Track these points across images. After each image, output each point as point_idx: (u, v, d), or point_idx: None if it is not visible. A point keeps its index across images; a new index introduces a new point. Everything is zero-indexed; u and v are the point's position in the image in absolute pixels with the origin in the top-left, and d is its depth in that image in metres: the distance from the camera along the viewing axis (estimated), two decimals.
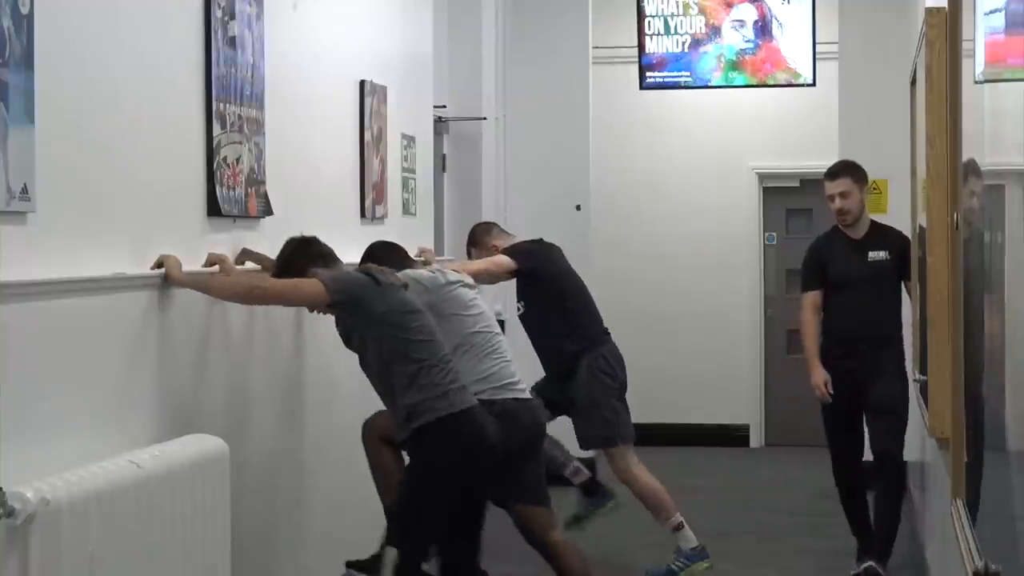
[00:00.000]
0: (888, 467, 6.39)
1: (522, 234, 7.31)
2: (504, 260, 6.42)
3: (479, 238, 6.65)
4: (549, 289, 6.51)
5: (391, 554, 4.82)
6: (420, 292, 5.23)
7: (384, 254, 5.46)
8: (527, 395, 5.54)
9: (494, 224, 6.93)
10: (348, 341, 4.95)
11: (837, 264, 6.60)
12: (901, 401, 6.45)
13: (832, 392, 6.44)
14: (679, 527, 6.52)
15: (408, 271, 5.34)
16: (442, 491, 4.90)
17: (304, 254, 4.88)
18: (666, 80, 9.43)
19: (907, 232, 6.81)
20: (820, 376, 6.48)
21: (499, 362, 5.44)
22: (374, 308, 4.75)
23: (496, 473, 5.20)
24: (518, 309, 6.68)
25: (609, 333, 6.67)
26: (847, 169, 6.65)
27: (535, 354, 6.69)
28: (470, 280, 5.58)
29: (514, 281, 6.66)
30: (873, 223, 6.67)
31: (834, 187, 6.57)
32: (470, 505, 5.22)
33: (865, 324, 6.51)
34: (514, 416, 5.37)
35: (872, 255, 6.55)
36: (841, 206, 6.55)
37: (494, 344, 5.46)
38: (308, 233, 5.36)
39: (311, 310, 4.94)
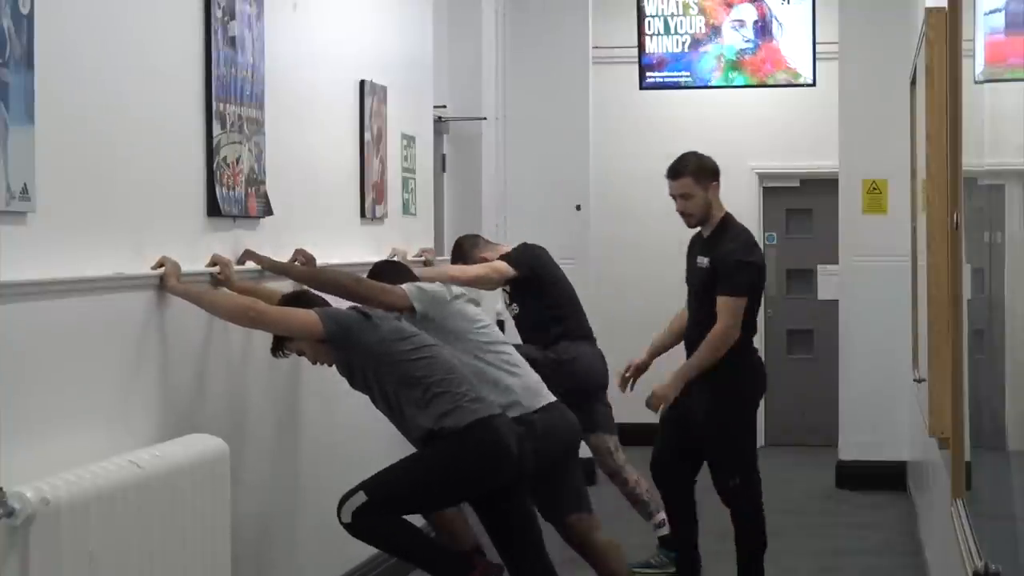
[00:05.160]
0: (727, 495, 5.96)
1: (522, 234, 7.32)
2: (503, 266, 6.46)
3: (467, 251, 6.65)
4: (540, 294, 6.55)
5: (359, 497, 4.75)
6: (424, 302, 5.21)
7: (390, 273, 5.46)
8: (552, 399, 5.47)
9: (479, 236, 6.95)
10: (352, 380, 4.94)
11: (688, 260, 6.12)
12: (707, 432, 5.87)
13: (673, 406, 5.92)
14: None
15: (415, 284, 5.34)
16: (449, 493, 4.90)
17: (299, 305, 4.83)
18: (666, 80, 9.43)
19: (909, 231, 6.76)
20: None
21: (514, 374, 5.41)
22: (367, 339, 4.73)
23: (541, 485, 5.20)
24: (513, 310, 6.69)
25: (593, 337, 6.72)
26: (688, 168, 5.95)
27: None
28: (474, 295, 5.57)
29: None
30: (721, 223, 5.95)
31: (673, 188, 5.95)
32: (512, 521, 5.05)
33: (688, 336, 6.03)
34: (552, 426, 5.35)
35: (700, 260, 5.95)
36: (682, 208, 5.96)
37: (504, 356, 5.42)
38: (307, 234, 5.37)
39: (313, 361, 4.90)
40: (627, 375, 6.29)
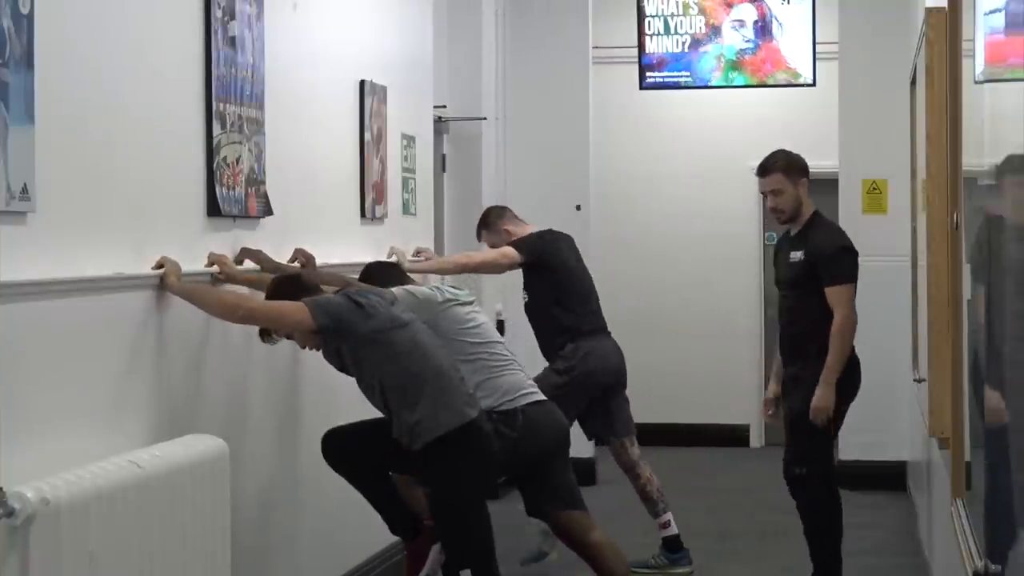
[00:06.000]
0: (792, 486, 6.02)
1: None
2: (511, 252, 6.51)
3: (492, 221, 6.70)
4: (550, 281, 6.56)
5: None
6: (413, 307, 5.22)
7: (381, 274, 5.47)
8: (542, 397, 5.54)
9: (507, 208, 6.94)
10: (342, 367, 4.94)
11: (777, 261, 6.13)
12: (802, 418, 5.86)
13: (778, 401, 6.08)
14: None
15: (406, 287, 5.35)
16: (471, 495, 4.93)
17: (293, 289, 4.83)
18: (666, 80, 9.43)
19: (909, 231, 6.76)
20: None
21: (504, 374, 5.45)
22: (358, 330, 4.73)
23: (527, 482, 5.20)
24: (524, 297, 6.72)
25: (607, 330, 6.71)
26: (778, 164, 5.98)
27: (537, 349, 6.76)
28: (466, 296, 5.58)
29: (516, 276, 6.74)
30: (811, 219, 5.96)
31: (764, 184, 5.98)
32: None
33: (784, 331, 6.06)
34: (535, 422, 5.39)
35: (793, 255, 5.92)
36: (773, 204, 5.97)
37: (496, 357, 5.46)
38: (307, 234, 5.36)
39: (303, 346, 4.91)
40: (770, 412, 6.26)
